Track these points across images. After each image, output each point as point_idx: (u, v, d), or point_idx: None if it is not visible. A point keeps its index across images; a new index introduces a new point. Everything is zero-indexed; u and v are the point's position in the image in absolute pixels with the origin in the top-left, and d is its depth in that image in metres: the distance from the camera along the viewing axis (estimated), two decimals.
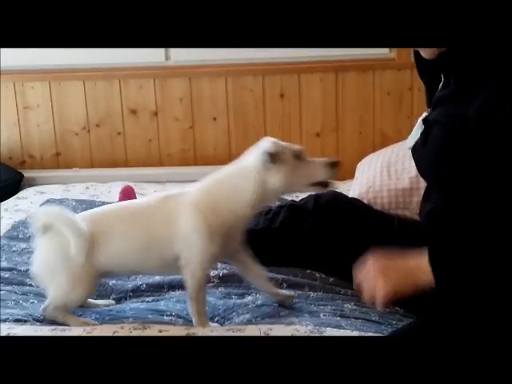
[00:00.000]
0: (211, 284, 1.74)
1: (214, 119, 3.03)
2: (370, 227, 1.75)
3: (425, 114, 1.51)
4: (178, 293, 1.71)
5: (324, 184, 1.48)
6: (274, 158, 1.43)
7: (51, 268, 1.52)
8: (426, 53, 1.41)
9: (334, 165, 1.47)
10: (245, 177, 1.46)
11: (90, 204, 2.49)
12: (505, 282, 1.30)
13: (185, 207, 1.47)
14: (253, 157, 1.47)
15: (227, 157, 3.06)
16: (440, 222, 1.49)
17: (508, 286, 1.29)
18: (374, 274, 1.27)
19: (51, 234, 1.51)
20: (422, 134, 1.45)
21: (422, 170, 1.53)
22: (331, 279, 1.74)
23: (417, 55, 1.50)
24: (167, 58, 2.99)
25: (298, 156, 1.46)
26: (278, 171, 1.43)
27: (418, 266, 1.31)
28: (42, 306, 1.55)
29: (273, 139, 1.47)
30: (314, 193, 1.52)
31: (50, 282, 1.53)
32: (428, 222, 1.55)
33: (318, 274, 1.75)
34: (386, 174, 2.27)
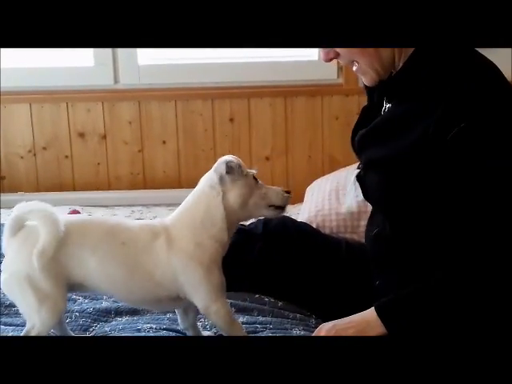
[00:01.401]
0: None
1: (164, 142, 3.02)
2: (318, 251, 1.76)
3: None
4: (125, 319, 1.70)
5: (280, 208, 1.47)
6: (231, 169, 1.41)
7: (20, 276, 1.37)
8: (366, 80, 1.44)
9: (288, 192, 1.48)
10: (204, 203, 1.42)
11: None
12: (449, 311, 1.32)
13: (174, 254, 1.40)
14: (208, 176, 1.45)
15: (177, 180, 3.06)
16: (385, 245, 1.51)
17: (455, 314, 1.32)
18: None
19: (24, 234, 1.38)
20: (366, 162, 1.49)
21: (368, 194, 1.56)
22: (280, 303, 1.74)
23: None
24: (116, 81, 2.97)
25: (254, 178, 1.46)
26: (235, 186, 1.42)
27: (367, 321, 1.35)
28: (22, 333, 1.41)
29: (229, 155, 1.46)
30: (270, 216, 1.51)
31: (17, 297, 1.40)
32: (373, 245, 1.57)
33: (266, 299, 1.74)
34: (334, 198, 2.30)
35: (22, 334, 1.41)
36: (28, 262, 1.35)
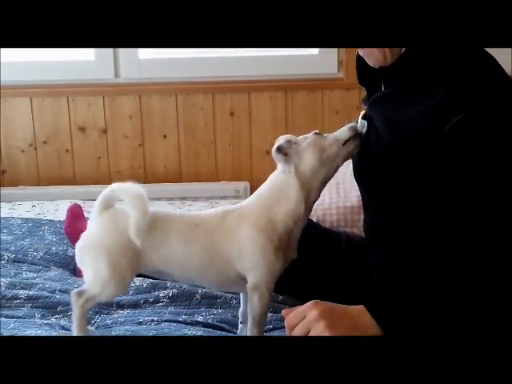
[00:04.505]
0: (160, 304, 1.73)
1: (164, 137, 3.03)
2: (318, 245, 1.77)
3: (362, 113, 1.54)
4: (126, 311, 1.71)
5: (355, 137, 1.47)
6: (282, 150, 1.43)
7: (101, 246, 1.44)
8: (370, 61, 1.44)
9: (354, 124, 1.48)
10: (280, 180, 1.45)
11: (37, 223, 2.45)
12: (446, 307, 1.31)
13: (245, 226, 1.43)
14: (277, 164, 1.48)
15: (177, 174, 3.06)
16: (380, 235, 1.51)
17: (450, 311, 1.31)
18: (316, 316, 1.26)
19: (111, 213, 1.46)
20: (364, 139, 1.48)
21: (359, 174, 1.55)
22: (280, 297, 1.75)
23: (358, 64, 1.53)
24: (116, 75, 2.98)
25: (317, 133, 1.48)
26: (301, 157, 1.43)
27: (361, 317, 1.27)
28: (76, 290, 1.46)
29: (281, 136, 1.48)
30: (352, 151, 1.48)
31: (88, 265, 1.45)
32: (368, 234, 1.57)
33: None
34: (334, 192, 2.30)
35: (74, 291, 1.45)
36: (113, 235, 1.44)
